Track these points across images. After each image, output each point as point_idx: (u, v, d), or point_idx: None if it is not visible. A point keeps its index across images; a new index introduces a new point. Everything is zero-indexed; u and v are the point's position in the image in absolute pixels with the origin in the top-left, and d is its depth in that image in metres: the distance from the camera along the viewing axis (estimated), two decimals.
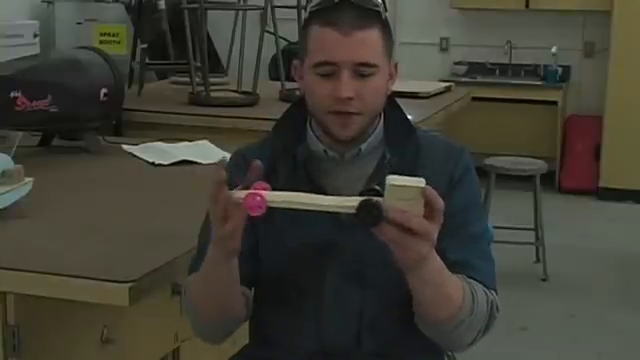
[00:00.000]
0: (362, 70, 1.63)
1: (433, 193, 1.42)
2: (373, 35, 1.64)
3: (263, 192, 1.42)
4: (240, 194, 1.43)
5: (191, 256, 1.78)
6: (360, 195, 1.41)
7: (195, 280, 1.66)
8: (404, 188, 1.40)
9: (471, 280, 1.65)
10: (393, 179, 1.42)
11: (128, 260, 1.93)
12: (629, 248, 5.49)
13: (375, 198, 1.40)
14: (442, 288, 1.56)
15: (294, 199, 1.45)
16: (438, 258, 1.53)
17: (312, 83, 1.66)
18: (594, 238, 5.72)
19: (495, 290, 1.70)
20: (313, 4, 1.66)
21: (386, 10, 1.68)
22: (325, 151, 1.71)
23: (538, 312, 4.48)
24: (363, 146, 1.71)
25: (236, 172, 1.71)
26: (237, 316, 1.70)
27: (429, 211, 1.42)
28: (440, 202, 1.43)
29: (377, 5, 1.65)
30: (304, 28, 1.69)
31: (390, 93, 1.75)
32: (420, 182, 1.42)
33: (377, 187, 1.43)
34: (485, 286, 1.67)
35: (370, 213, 1.40)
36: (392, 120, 1.75)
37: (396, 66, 1.74)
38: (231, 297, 1.65)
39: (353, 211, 1.41)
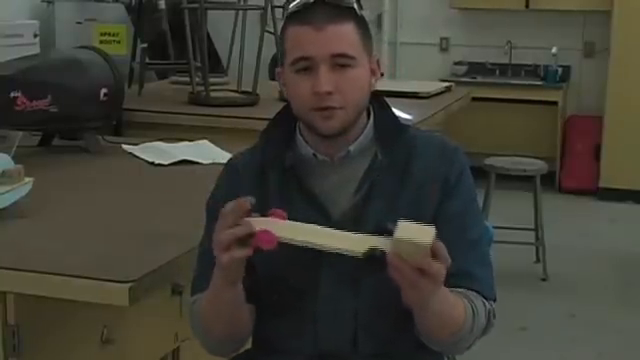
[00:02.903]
0: (339, 61, 1.62)
1: (439, 246, 1.43)
2: (347, 28, 1.64)
3: (273, 229, 1.47)
4: (257, 224, 1.48)
5: (195, 274, 1.78)
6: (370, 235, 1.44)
7: (202, 301, 1.68)
8: (410, 244, 1.40)
9: (471, 293, 1.66)
10: (402, 230, 1.41)
11: (128, 260, 1.93)
12: (629, 248, 5.49)
13: (380, 248, 1.41)
14: (446, 315, 1.59)
15: (304, 237, 1.48)
16: (443, 287, 1.53)
17: (292, 82, 1.66)
18: (594, 238, 5.72)
19: (494, 299, 1.71)
20: (290, 7, 1.66)
21: (361, 8, 1.67)
22: (314, 155, 1.71)
23: (538, 312, 4.48)
24: (352, 147, 1.70)
25: (229, 187, 1.72)
26: (246, 332, 1.73)
27: (434, 255, 1.43)
28: (447, 260, 1.44)
29: (351, 2, 1.65)
30: (282, 31, 1.69)
31: (378, 92, 1.74)
32: (429, 234, 1.41)
33: (389, 228, 1.42)
34: (484, 296, 1.68)
35: (374, 263, 1.42)
36: (382, 119, 1.74)
37: (378, 62, 1.73)
38: (239, 317, 1.67)
39: (360, 256, 1.43)
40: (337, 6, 1.63)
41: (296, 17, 1.64)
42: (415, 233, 1.41)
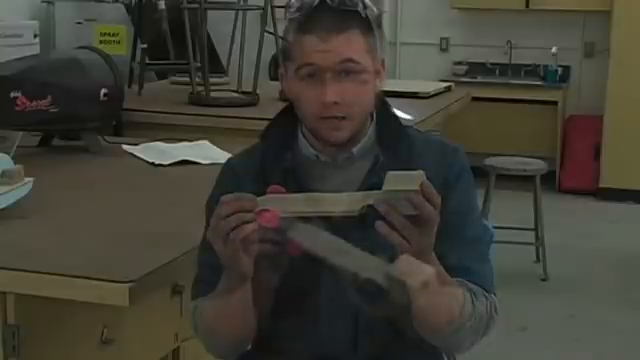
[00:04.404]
0: (345, 67, 1.61)
1: (430, 190, 1.43)
2: (353, 36, 1.62)
3: (273, 206, 1.49)
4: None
5: (196, 277, 1.77)
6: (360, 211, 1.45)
7: (210, 305, 1.67)
8: (398, 192, 1.41)
9: (471, 284, 1.65)
10: (389, 181, 1.43)
11: (128, 260, 1.93)
12: (629, 248, 5.49)
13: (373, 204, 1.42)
14: (441, 294, 1.56)
15: (302, 207, 1.49)
16: (437, 263, 1.54)
17: (298, 90, 1.65)
18: (594, 238, 5.72)
19: (494, 293, 1.70)
20: (292, 10, 1.65)
21: (365, 7, 1.65)
22: (317, 156, 1.70)
23: (538, 312, 4.48)
24: (355, 149, 1.69)
25: (228, 189, 1.71)
26: (252, 333, 1.71)
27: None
28: (438, 199, 1.45)
29: (356, 5, 1.63)
30: (285, 33, 1.68)
31: (380, 93, 1.73)
32: (417, 180, 1.42)
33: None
34: (484, 290, 1.67)
35: (370, 220, 1.43)
36: (383, 121, 1.73)
37: (383, 62, 1.72)
38: (247, 318, 1.66)
39: (355, 214, 1.45)
40: (342, 12, 1.61)
41: (300, 24, 1.63)
42: (403, 181, 1.42)
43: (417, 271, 1.41)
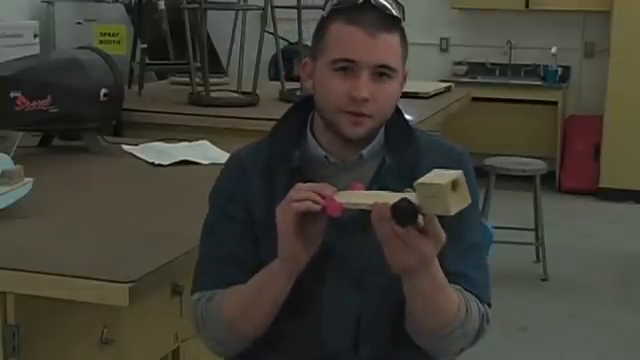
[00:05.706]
0: (382, 72, 1.62)
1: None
2: (395, 39, 1.63)
3: (336, 196, 1.53)
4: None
5: (200, 269, 1.75)
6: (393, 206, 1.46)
7: (239, 296, 1.65)
8: (427, 185, 1.42)
9: (467, 293, 1.65)
10: (427, 175, 1.44)
11: (128, 260, 1.93)
12: (629, 248, 5.49)
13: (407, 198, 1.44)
14: (435, 300, 1.57)
15: (361, 200, 1.51)
16: (435, 269, 1.54)
17: (327, 80, 1.63)
18: (594, 238, 5.72)
19: (489, 303, 1.71)
20: (334, 2, 1.64)
21: (404, 19, 1.66)
22: (326, 157, 1.70)
23: (538, 312, 4.48)
24: (364, 151, 1.69)
25: (235, 182, 1.71)
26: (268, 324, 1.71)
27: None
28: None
29: (398, 11, 1.64)
30: (323, 25, 1.66)
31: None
32: (446, 178, 1.42)
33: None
34: (480, 299, 1.68)
35: (401, 214, 1.43)
36: (393, 124, 1.73)
37: (406, 74, 1.72)
38: (273, 315, 1.66)
39: (389, 206, 1.45)
40: (386, 14, 1.62)
41: (344, 15, 1.62)
42: (436, 176, 1.43)
43: (445, 175, 1.43)
